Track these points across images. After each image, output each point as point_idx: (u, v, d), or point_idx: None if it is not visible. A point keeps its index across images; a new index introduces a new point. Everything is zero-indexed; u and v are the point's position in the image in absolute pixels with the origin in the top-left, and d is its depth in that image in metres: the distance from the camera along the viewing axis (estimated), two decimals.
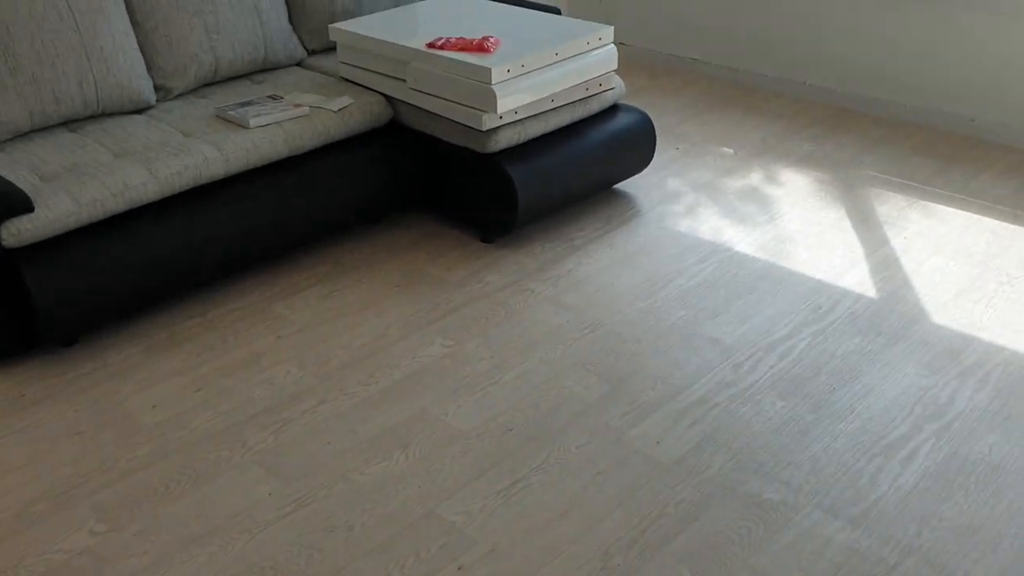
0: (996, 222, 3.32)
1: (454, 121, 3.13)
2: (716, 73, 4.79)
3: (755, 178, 3.71)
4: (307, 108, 3.11)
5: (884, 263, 3.10)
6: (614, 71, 3.39)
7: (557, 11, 3.69)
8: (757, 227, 3.34)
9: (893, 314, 2.82)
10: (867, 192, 3.57)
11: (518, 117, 3.12)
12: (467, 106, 3.06)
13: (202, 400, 2.49)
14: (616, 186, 3.64)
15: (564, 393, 2.50)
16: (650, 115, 4.29)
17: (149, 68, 3.20)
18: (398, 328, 2.79)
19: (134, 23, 3.16)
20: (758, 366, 2.60)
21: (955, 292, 2.93)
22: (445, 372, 2.59)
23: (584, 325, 2.79)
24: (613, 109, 3.51)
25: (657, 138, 4.05)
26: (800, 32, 4.42)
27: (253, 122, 2.97)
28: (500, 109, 3.00)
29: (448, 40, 3.14)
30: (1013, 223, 3.31)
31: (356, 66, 3.35)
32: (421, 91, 3.16)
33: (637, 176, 3.71)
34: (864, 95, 4.30)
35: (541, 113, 3.20)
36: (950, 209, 3.43)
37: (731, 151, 3.87)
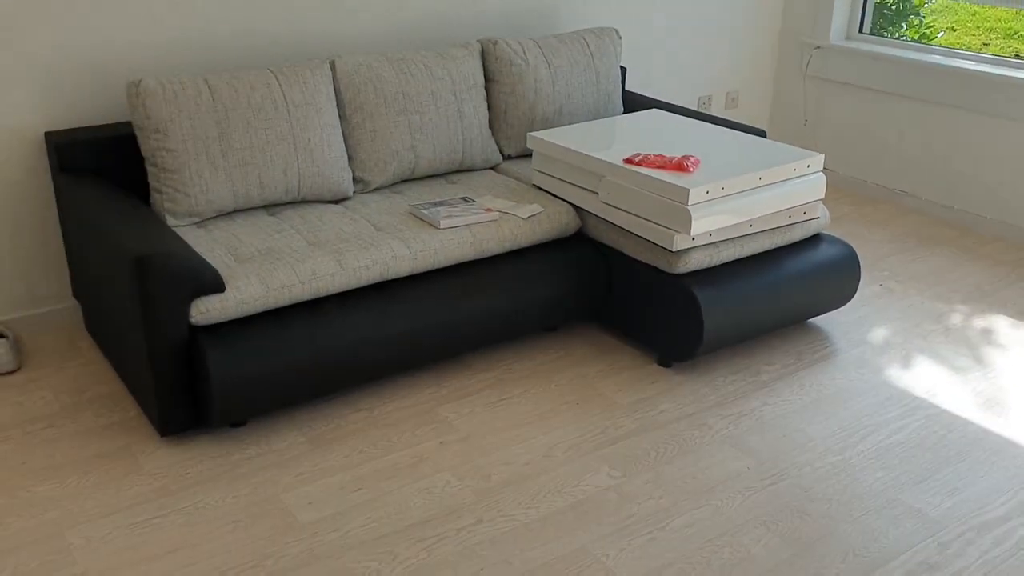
0: None
1: (643, 238, 3.02)
2: (926, 208, 4.47)
3: (968, 328, 3.37)
4: (497, 213, 3.08)
5: None
6: (820, 200, 3.20)
7: (763, 133, 3.55)
8: (969, 383, 3.01)
9: None
10: None
11: (712, 240, 2.97)
12: (659, 224, 2.94)
13: (359, 502, 2.41)
14: (811, 320, 3.39)
15: (740, 552, 2.26)
16: (851, 244, 4.03)
17: (351, 160, 3.28)
18: (564, 449, 2.64)
19: (342, 116, 3.26)
20: (968, 549, 2.27)
21: None
22: (610, 507, 2.41)
23: (767, 474, 2.55)
24: (815, 238, 3.30)
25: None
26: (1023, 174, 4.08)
27: (444, 223, 2.97)
28: (694, 231, 2.86)
29: (646, 156, 3.05)
30: None
31: (549, 175, 3.31)
32: (613, 206, 3.08)
33: (835, 311, 3.46)
34: None
35: (737, 237, 3.04)
36: None
37: (883, 285, 3.58)
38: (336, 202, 3.22)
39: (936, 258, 3.96)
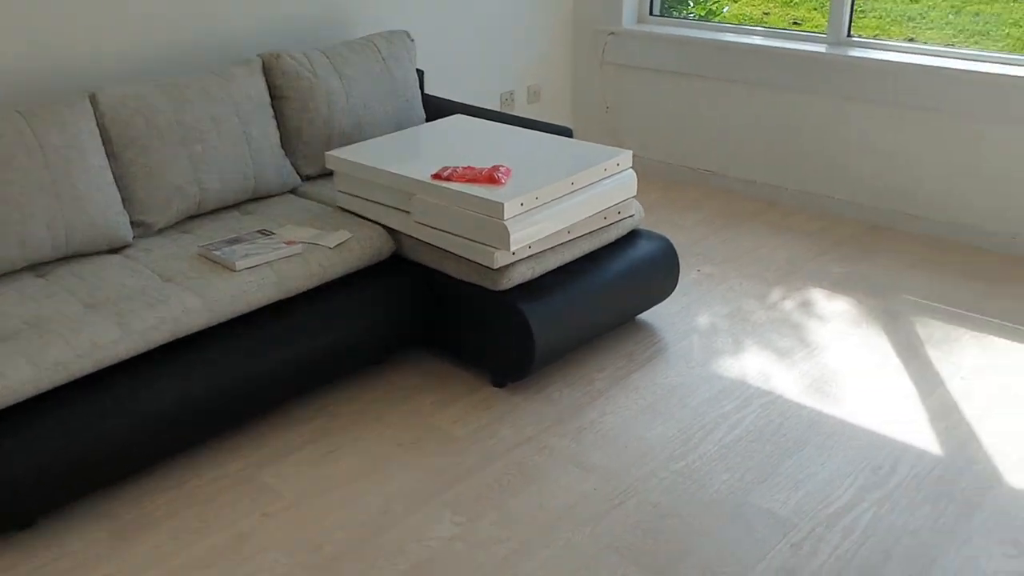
0: None
1: (463, 256, 2.85)
2: (732, 186, 4.55)
3: (787, 305, 3.42)
4: (301, 245, 2.82)
5: (943, 409, 2.78)
6: (633, 197, 3.14)
7: (569, 132, 3.45)
8: (796, 364, 3.04)
9: (964, 475, 2.49)
10: (912, 321, 3.28)
11: (532, 252, 2.84)
12: (477, 242, 2.78)
13: None
14: (638, 317, 3.34)
15: None
16: (665, 232, 4.03)
17: (126, 203, 2.92)
18: (401, 500, 2.45)
19: (110, 155, 2.90)
20: (820, 546, 2.25)
21: None
22: (457, 560, 2.23)
23: (614, 494, 2.45)
24: (632, 235, 3.24)
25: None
26: (822, 143, 4.20)
27: (240, 264, 2.68)
28: (513, 245, 2.72)
29: (455, 170, 2.88)
30: None
31: (355, 195, 3.08)
32: (427, 225, 2.89)
33: (659, 305, 3.42)
34: (896, 211, 4.05)
35: (557, 245, 2.93)
36: (1007, 341, 3.13)
37: (700, 271, 3.62)
38: (115, 251, 2.87)
39: (746, 236, 4.02)
